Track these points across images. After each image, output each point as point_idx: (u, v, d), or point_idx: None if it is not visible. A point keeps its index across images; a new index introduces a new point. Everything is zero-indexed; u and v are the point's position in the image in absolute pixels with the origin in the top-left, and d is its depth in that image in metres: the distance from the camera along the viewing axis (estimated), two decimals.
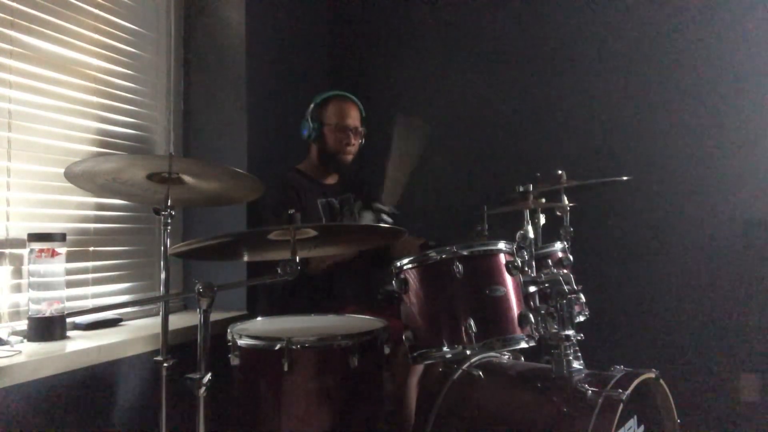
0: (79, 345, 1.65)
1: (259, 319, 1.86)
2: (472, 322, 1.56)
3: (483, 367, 1.71)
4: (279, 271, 1.33)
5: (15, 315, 1.70)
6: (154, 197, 1.57)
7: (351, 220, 2.32)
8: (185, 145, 2.40)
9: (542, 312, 1.66)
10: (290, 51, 2.78)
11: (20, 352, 1.52)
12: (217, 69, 2.40)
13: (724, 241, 2.56)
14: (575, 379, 1.57)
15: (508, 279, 1.65)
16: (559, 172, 2.03)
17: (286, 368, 1.48)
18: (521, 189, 1.84)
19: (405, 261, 1.68)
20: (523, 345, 1.61)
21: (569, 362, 1.61)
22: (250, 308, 2.32)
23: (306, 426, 1.52)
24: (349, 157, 2.33)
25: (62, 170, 1.47)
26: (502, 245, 1.68)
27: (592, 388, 1.50)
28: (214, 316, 1.35)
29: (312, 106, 2.31)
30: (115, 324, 1.96)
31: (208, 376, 1.31)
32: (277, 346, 1.51)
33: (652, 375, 1.60)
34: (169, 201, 1.51)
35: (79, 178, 1.51)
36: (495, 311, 1.62)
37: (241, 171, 1.56)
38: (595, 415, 1.44)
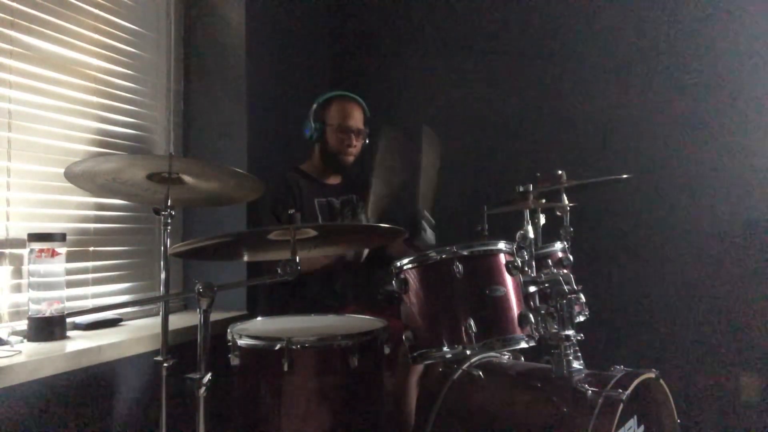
0: (79, 345, 1.65)
1: (259, 319, 1.86)
2: (472, 322, 1.56)
3: (483, 367, 1.71)
4: (279, 271, 1.33)
5: (15, 315, 1.70)
6: (154, 197, 1.57)
7: (355, 221, 2.31)
8: (185, 145, 2.40)
9: (542, 312, 1.66)
10: (290, 51, 2.78)
11: (20, 352, 1.52)
12: (217, 69, 2.40)
13: (724, 241, 2.56)
14: (575, 379, 1.57)
15: (508, 279, 1.65)
16: (559, 172, 2.02)
17: (286, 368, 1.48)
18: (521, 189, 1.84)
19: (405, 261, 1.68)
20: (523, 345, 1.61)
21: (569, 362, 1.61)
22: (250, 308, 2.32)
23: (306, 426, 1.52)
24: (351, 158, 2.32)
25: (62, 170, 1.47)
26: (502, 245, 1.68)
27: (592, 388, 1.50)
28: (214, 316, 1.34)
29: (315, 105, 2.30)
30: (115, 324, 1.96)
31: (208, 376, 1.31)
32: (277, 346, 1.51)
33: (652, 375, 1.60)
34: (169, 201, 1.51)
35: (79, 178, 1.51)
36: (495, 311, 1.61)
37: (241, 171, 1.57)
38: (595, 415, 1.44)
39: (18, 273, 1.71)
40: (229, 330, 1.64)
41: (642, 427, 1.63)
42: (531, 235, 1.77)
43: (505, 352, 1.85)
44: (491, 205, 2.02)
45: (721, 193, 2.57)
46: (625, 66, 2.72)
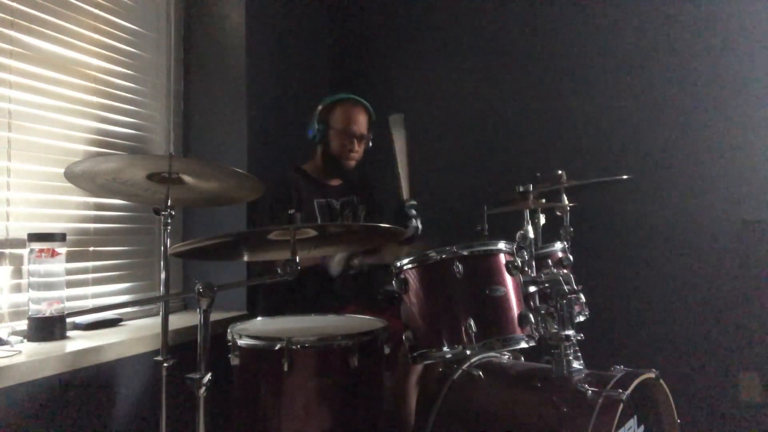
0: (79, 345, 1.65)
1: (259, 319, 1.86)
2: (472, 322, 1.56)
3: (483, 367, 1.71)
4: (279, 271, 1.33)
5: (15, 315, 1.70)
6: (154, 197, 1.57)
7: (355, 221, 2.31)
8: (185, 145, 2.40)
9: (542, 312, 1.66)
10: (290, 51, 2.78)
11: (20, 352, 1.52)
12: (217, 69, 2.40)
13: (724, 241, 2.56)
14: (575, 379, 1.57)
15: (508, 279, 1.65)
16: (559, 172, 2.03)
17: (286, 368, 1.48)
18: (521, 189, 1.84)
19: (405, 261, 1.68)
20: (523, 345, 1.61)
21: (569, 362, 1.61)
22: (250, 308, 2.32)
23: (306, 426, 1.52)
24: (352, 163, 2.31)
25: (62, 170, 1.47)
26: (502, 245, 1.68)
27: (592, 388, 1.50)
28: (214, 316, 1.35)
29: (320, 107, 2.28)
30: (115, 324, 1.96)
31: (208, 376, 1.31)
32: (277, 346, 1.51)
33: (652, 375, 1.60)
34: (169, 201, 1.51)
35: (79, 178, 1.51)
36: (495, 311, 1.61)
37: (241, 171, 1.57)
38: (595, 415, 1.44)
39: (18, 273, 1.71)
40: (229, 330, 1.64)
41: (642, 427, 1.63)
42: (531, 235, 1.78)
43: (505, 352, 1.85)
44: (491, 205, 2.02)
45: (721, 193, 2.58)
46: (625, 66, 2.72)
